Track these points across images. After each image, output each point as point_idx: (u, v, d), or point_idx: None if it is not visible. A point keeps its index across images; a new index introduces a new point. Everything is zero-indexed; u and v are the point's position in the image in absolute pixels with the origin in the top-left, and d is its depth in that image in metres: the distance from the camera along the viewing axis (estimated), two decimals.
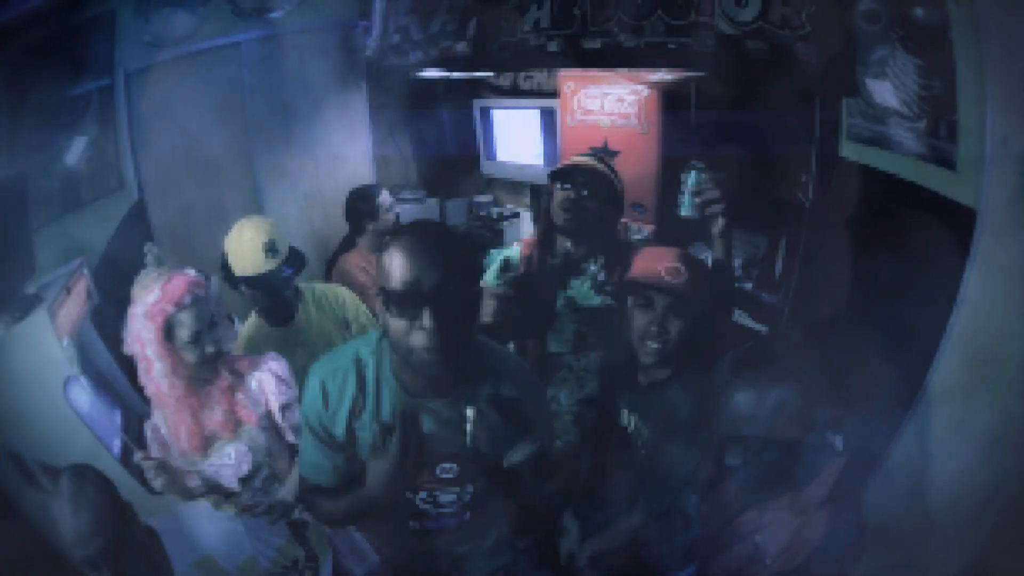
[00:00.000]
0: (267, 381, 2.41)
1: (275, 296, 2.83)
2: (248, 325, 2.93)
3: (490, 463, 1.90)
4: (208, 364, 2.27)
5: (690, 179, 2.21)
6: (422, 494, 1.96)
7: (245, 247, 2.75)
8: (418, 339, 1.60)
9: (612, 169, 2.71)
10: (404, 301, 1.59)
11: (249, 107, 4.29)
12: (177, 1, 3.79)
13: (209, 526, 2.26)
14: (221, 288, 2.36)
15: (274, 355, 2.48)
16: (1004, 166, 1.78)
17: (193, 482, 2.33)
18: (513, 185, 5.28)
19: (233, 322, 2.42)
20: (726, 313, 2.49)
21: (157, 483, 2.20)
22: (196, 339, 2.20)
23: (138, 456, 2.25)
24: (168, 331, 2.19)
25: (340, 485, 1.94)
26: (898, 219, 2.24)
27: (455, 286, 1.60)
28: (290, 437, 2.42)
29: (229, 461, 2.33)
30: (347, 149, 4.78)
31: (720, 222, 2.23)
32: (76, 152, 3.57)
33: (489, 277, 2.70)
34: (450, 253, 1.62)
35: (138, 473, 2.34)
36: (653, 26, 2.80)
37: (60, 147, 3.47)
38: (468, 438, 1.82)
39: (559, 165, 2.72)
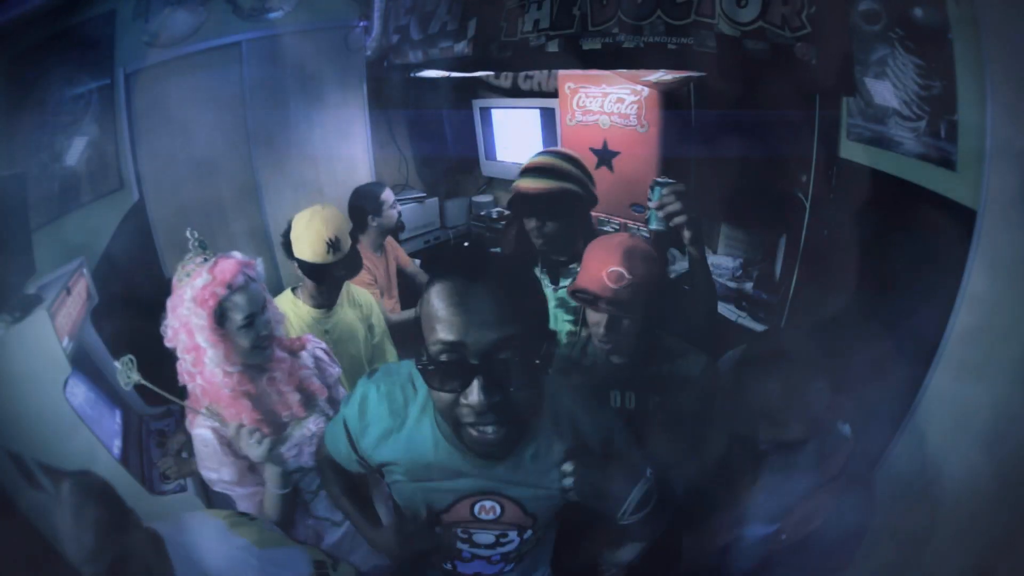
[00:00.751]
0: (320, 357, 2.49)
1: (322, 283, 2.92)
2: (282, 300, 2.97)
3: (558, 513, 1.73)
4: (260, 349, 2.21)
5: (653, 195, 2.18)
6: (456, 530, 1.73)
7: (311, 235, 2.80)
8: (466, 415, 1.32)
9: (570, 162, 2.65)
10: (444, 368, 1.28)
11: (249, 107, 4.29)
12: (177, 1, 3.79)
13: (218, 548, 2.03)
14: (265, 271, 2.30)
15: (311, 336, 2.57)
16: (1004, 166, 1.78)
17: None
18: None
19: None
20: (709, 316, 2.41)
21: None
22: (250, 322, 2.13)
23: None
24: (220, 316, 2.11)
25: (353, 473, 1.88)
26: (898, 219, 2.24)
27: (515, 346, 1.26)
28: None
29: (309, 435, 2.30)
30: (346, 149, 4.78)
31: (687, 234, 2.17)
32: (76, 152, 3.57)
33: None
34: (511, 301, 1.27)
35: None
36: (653, 26, 2.80)
37: (60, 147, 3.47)
38: (574, 493, 1.58)
39: (513, 190, 2.68)
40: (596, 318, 2.11)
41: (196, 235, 2.18)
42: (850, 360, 2.37)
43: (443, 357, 1.25)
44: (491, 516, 1.66)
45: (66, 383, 2.70)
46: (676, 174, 3.80)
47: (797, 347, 2.11)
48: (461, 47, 3.97)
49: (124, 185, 3.82)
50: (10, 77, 3.14)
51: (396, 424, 1.61)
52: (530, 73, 4.71)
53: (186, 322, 2.11)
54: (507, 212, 2.54)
